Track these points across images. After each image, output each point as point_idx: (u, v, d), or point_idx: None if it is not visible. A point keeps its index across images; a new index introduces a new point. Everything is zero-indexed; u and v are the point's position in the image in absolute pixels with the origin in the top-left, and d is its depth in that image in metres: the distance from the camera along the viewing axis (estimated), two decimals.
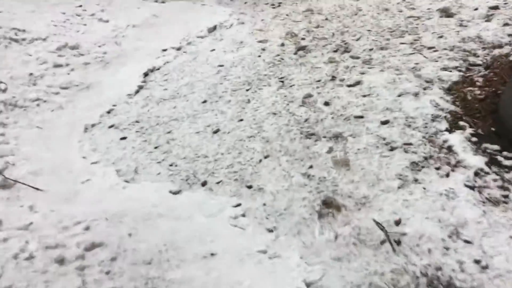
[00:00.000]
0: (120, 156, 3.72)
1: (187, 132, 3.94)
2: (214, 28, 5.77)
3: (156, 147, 3.82)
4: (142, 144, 3.88)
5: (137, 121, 4.22)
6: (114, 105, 4.55)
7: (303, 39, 5.25)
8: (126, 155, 3.73)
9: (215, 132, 3.91)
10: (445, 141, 3.39)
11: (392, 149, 3.38)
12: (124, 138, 4.00)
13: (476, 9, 5.11)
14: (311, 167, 3.32)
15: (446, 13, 5.13)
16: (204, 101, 4.46)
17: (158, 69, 5.08)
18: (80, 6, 5.98)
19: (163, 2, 6.50)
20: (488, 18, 4.91)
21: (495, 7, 5.05)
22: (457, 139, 3.34)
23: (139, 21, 5.76)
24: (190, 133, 3.92)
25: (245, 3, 6.39)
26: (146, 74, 4.99)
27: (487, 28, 4.70)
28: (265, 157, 3.50)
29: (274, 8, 6.12)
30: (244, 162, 3.47)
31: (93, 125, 4.22)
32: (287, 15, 5.88)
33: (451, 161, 3.19)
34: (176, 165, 3.56)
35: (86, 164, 3.60)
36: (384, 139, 3.49)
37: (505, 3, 5.09)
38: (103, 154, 3.79)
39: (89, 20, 5.68)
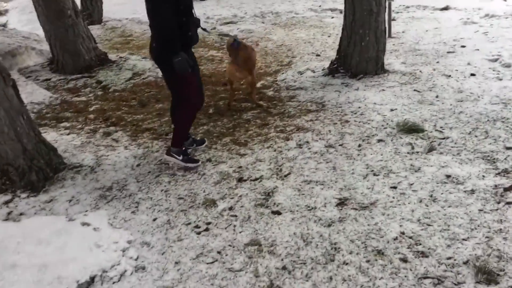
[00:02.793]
0: None
1: None
2: (92, 281, 3.27)
3: None
4: None
5: None
6: None
7: None
8: None
9: None
10: None
11: None
12: None
13: None
14: None
15: None
16: None
17: None
18: None
19: (18, 220, 4.00)
20: None
21: None
22: None
23: None
24: None
25: (154, 220, 4.05)
26: None
27: None
28: None
29: (198, 234, 3.83)
30: None
31: None
32: (218, 252, 3.59)
33: None
34: None
35: None
36: None
37: None
38: None
39: None
